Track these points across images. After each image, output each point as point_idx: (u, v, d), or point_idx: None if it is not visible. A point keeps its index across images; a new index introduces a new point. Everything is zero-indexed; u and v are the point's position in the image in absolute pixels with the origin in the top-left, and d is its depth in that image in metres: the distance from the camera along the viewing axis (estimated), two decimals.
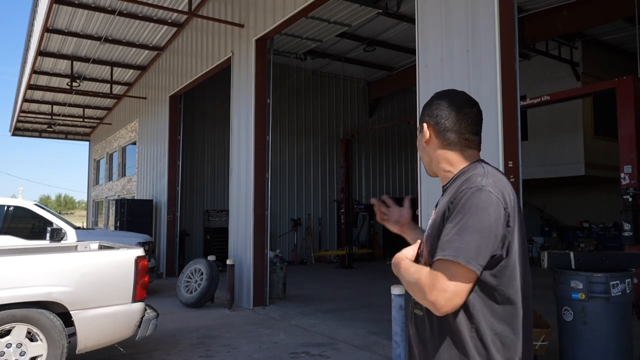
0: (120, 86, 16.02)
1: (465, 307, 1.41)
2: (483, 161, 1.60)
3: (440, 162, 1.65)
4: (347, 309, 8.26)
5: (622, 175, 7.81)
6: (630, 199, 7.59)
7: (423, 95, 5.34)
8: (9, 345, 4.12)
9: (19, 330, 4.16)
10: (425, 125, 1.67)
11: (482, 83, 4.68)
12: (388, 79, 16.30)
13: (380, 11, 10.79)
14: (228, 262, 8.55)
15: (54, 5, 9.82)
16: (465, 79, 4.86)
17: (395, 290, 4.79)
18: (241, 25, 9.12)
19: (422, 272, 1.43)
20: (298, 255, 15.10)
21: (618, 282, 4.41)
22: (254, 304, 8.35)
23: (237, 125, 9.28)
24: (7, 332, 4.13)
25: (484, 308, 1.42)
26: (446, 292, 1.36)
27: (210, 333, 6.63)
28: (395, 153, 17.95)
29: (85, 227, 16.48)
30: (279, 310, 8.16)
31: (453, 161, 1.62)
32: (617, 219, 12.23)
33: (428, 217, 4.93)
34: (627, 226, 7.59)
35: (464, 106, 1.65)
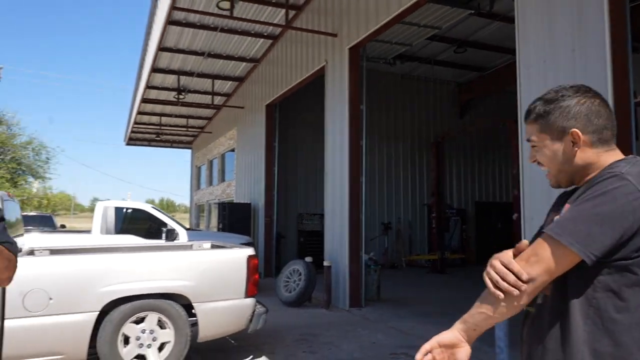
0: (219, 97, 17.09)
1: (587, 302, 1.29)
2: (627, 158, 1.40)
3: (591, 169, 1.42)
4: (443, 313, 8.22)
5: None
6: None
7: (525, 100, 5.25)
8: (143, 331, 4.67)
9: (152, 318, 4.70)
10: (577, 131, 1.40)
11: (590, 83, 4.52)
12: (479, 80, 15.89)
13: (472, 12, 10.62)
14: (325, 263, 8.85)
15: (167, 26, 10.76)
16: (571, 79, 4.73)
17: None
18: (334, 35, 9.44)
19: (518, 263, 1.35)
20: (389, 259, 15.15)
21: None
22: (350, 305, 8.57)
23: (331, 131, 9.59)
24: (142, 320, 4.69)
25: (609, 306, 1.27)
26: (540, 262, 1.30)
27: (311, 331, 6.93)
28: (488, 156, 17.42)
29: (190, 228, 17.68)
30: (375, 312, 8.32)
31: (602, 164, 1.41)
32: None
33: (532, 221, 4.85)
34: None
35: (603, 98, 1.46)
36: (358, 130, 8.94)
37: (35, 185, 32.39)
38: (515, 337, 4.95)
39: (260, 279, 12.53)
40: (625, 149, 4.16)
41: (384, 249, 15.24)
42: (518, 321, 4.72)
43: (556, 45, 4.92)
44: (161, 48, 12.32)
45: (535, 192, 5.08)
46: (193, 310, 4.87)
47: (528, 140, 1.53)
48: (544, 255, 1.30)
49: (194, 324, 4.89)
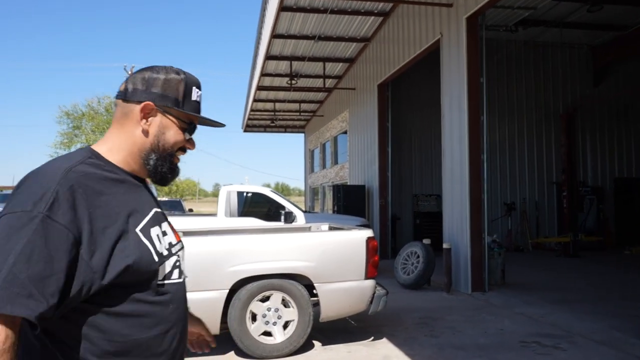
0: (331, 79, 17.20)
1: None
2: None
3: None
4: (578, 300, 7.52)
5: None
6: None
7: None
8: (269, 309, 4.85)
9: (276, 297, 4.85)
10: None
11: None
12: (618, 41, 14.08)
13: None
14: (444, 245, 8.54)
15: (280, 13, 10.99)
16: None
17: None
18: (450, 5, 8.92)
19: None
20: (513, 242, 14.25)
21: None
22: (472, 289, 8.20)
23: (448, 107, 9.14)
24: (267, 298, 4.86)
25: None
26: None
27: (432, 314, 6.73)
28: (629, 126, 15.50)
29: (307, 211, 18.21)
30: (500, 297, 7.85)
31: None
32: None
33: None
34: None
35: None
36: (477, 105, 8.41)
37: None
38: None
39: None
40: None
41: (507, 231, 14.37)
42: None
43: None
44: (274, 35, 12.64)
45: None
46: (315, 291, 4.95)
47: None
48: None
49: (316, 304, 4.97)
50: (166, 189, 38.66)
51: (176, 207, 18.49)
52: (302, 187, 29.25)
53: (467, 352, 5.13)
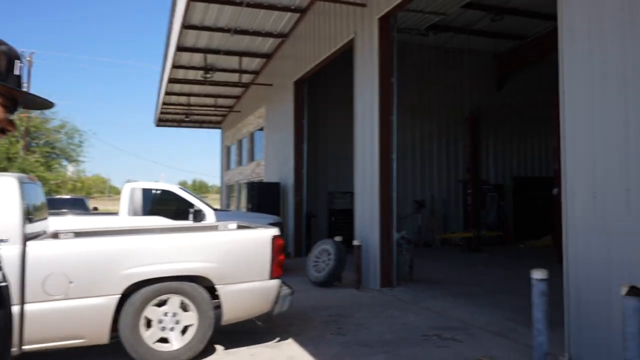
0: (247, 75, 16.89)
1: None
2: None
3: None
4: (478, 293, 7.92)
5: None
6: None
7: (567, 63, 4.81)
8: (166, 314, 4.58)
9: (174, 301, 4.60)
10: None
11: None
12: (518, 50, 15.09)
13: None
14: (355, 242, 8.65)
15: (190, 2, 10.56)
16: (620, 41, 4.27)
17: (537, 274, 4.47)
18: (363, 5, 9.03)
19: None
20: (422, 238, 14.82)
21: None
22: (381, 285, 8.37)
23: (360, 106, 9.26)
24: (164, 302, 4.59)
25: None
26: None
27: (341, 312, 6.77)
28: (527, 129, 16.66)
29: (220, 209, 17.77)
30: (407, 292, 8.08)
31: None
32: None
33: (574, 195, 4.49)
34: None
35: None
36: (389, 104, 8.59)
37: (70, 169, 33.17)
38: (552, 318, 4.63)
39: (291, 259, 12.48)
40: None
41: (417, 227, 14.91)
42: (556, 303, 4.29)
43: (603, 3, 4.44)
44: (186, 25, 12.15)
45: (579, 166, 4.68)
46: (217, 292, 4.75)
47: None
48: None
49: (218, 307, 4.78)
50: (69, 185, 36.00)
51: (79, 205, 17.25)
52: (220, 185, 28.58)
53: (372, 348, 5.18)
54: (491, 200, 15.30)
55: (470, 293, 7.92)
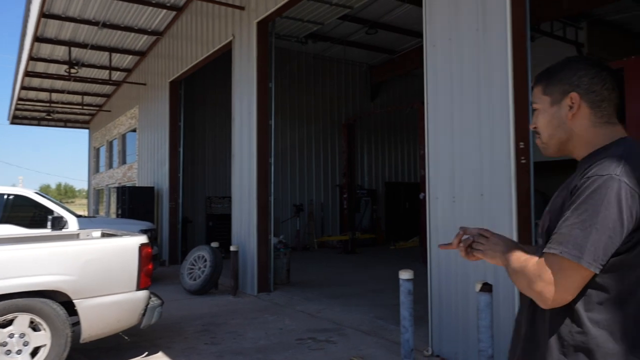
0: (119, 72, 15.83)
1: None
2: (629, 140, 1.39)
3: (584, 140, 1.43)
4: (352, 294, 8.20)
5: None
6: None
7: (431, 75, 5.19)
8: (11, 335, 4.05)
9: (22, 320, 4.08)
10: (576, 95, 1.41)
11: (492, 62, 4.53)
12: (390, 63, 16.08)
13: None
14: (232, 248, 8.48)
15: None
16: (475, 58, 4.71)
17: (404, 275, 4.71)
18: (242, 8, 8.93)
19: (531, 261, 1.33)
20: (301, 241, 15.04)
21: None
22: (258, 290, 8.30)
23: (238, 110, 9.14)
24: (10, 322, 4.06)
25: (585, 306, 1.30)
26: (553, 284, 1.27)
27: (215, 320, 6.57)
28: (397, 137, 17.80)
29: (86, 215, 16.41)
30: (284, 296, 8.11)
31: (600, 139, 1.41)
32: None
33: (436, 200, 4.82)
34: None
35: (613, 72, 1.44)
36: (266, 109, 8.58)
37: None
38: (419, 314, 4.92)
39: (165, 267, 11.90)
40: (524, 130, 4.16)
41: (295, 231, 15.10)
42: (421, 300, 4.54)
43: (461, 23, 4.88)
44: (46, 14, 11.04)
45: (440, 173, 5.07)
46: (75, 308, 4.31)
47: (532, 105, 1.55)
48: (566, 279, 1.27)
49: (77, 323, 4.34)
50: None
51: None
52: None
53: (246, 356, 5.09)
54: (365, 204, 16.04)
55: (345, 294, 8.18)
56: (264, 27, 8.62)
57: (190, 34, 11.31)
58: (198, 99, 14.26)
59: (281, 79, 14.66)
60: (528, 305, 1.45)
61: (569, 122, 1.44)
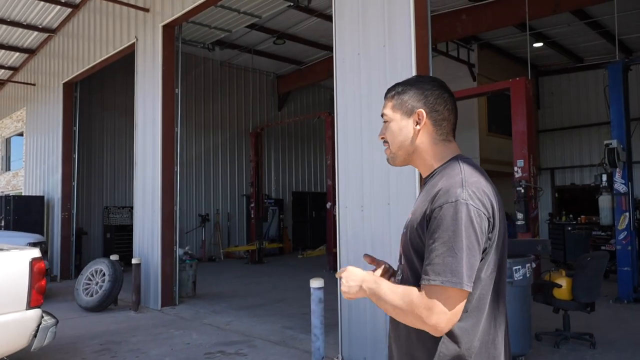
0: (3, 70, 14.44)
1: None
2: (461, 157, 1.54)
3: (427, 154, 1.57)
4: (260, 304, 8.14)
5: (515, 168, 8.47)
6: (522, 191, 8.25)
7: (340, 89, 5.35)
8: None
9: None
10: (422, 111, 1.55)
11: (398, 77, 4.77)
12: (297, 73, 16.31)
13: (291, 4, 10.74)
14: (133, 261, 8.05)
15: None
16: (382, 72, 4.94)
17: (314, 283, 4.77)
18: (146, 10, 8.59)
19: (413, 296, 1.36)
20: (207, 252, 14.65)
21: (520, 267, 4.76)
22: (163, 304, 7.94)
23: (142, 116, 8.73)
24: None
25: None
26: (446, 314, 1.33)
27: (115, 338, 6.18)
28: (304, 147, 18.05)
29: None
30: (190, 309, 7.84)
31: (439, 154, 1.56)
32: (508, 210, 13.28)
33: (346, 209, 4.96)
34: (519, 215, 8.26)
35: (452, 95, 1.60)
36: (172, 115, 8.30)
37: None
38: (328, 322, 5.00)
39: (57, 283, 10.98)
40: None
41: (201, 242, 14.69)
42: (331, 308, 4.63)
43: (369, 40, 5.09)
44: None
45: (350, 182, 5.23)
46: None
47: (382, 115, 1.65)
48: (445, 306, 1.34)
49: None
50: None
51: None
52: None
53: None
54: (272, 214, 16.03)
55: (252, 305, 8.09)
56: (170, 31, 8.36)
57: (88, 33, 10.63)
58: (96, 102, 13.42)
59: (188, 85, 14.27)
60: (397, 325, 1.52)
61: (415, 136, 1.57)
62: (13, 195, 12.55)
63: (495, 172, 14.46)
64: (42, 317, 4.41)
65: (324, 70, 14.47)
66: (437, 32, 11.22)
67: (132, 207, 12.99)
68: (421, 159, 1.59)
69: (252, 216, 14.33)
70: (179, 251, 8.34)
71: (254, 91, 16.51)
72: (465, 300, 1.35)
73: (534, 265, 5.07)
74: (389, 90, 1.64)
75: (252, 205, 14.26)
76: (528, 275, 4.85)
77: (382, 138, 1.65)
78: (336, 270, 5.38)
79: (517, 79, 8.85)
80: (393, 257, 1.74)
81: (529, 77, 9.59)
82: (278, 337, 6.12)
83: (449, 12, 10.99)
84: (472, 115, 14.28)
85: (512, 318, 4.67)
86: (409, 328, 1.43)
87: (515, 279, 4.72)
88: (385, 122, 1.63)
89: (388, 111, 1.62)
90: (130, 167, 9.06)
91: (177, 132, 8.31)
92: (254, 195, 14.19)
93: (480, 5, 10.56)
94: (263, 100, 16.74)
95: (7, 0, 10.31)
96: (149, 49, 8.56)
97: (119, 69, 12.46)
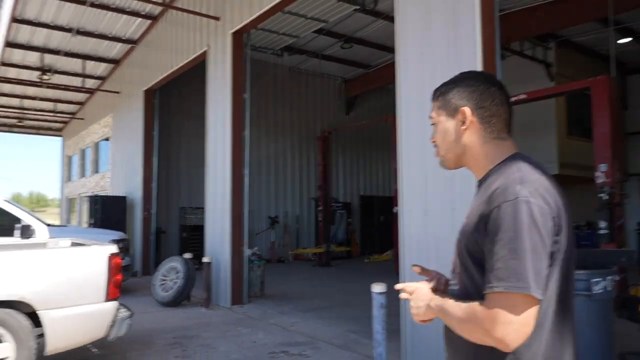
0: (93, 80, 15.62)
1: None
2: (520, 155, 1.41)
3: (478, 154, 1.46)
4: (326, 307, 8.19)
5: (598, 173, 7.90)
6: (606, 197, 7.68)
7: (403, 92, 5.28)
8: None
9: None
10: (467, 109, 1.45)
11: None
12: (364, 77, 16.28)
13: (358, 7, 10.75)
14: (204, 259, 8.39)
15: None
16: (446, 73, 4.81)
17: (376, 288, 4.72)
18: (217, 18, 8.95)
19: (476, 307, 1.25)
20: (275, 254, 14.97)
21: (600, 279, 4.43)
22: (232, 302, 8.21)
23: (213, 120, 9.11)
24: None
25: None
26: (513, 324, 1.19)
27: (187, 333, 6.47)
28: (372, 151, 17.97)
29: (57, 224, 16.02)
30: (258, 309, 8.04)
31: (492, 154, 1.44)
32: (590, 218, 12.44)
33: (409, 213, 4.87)
34: (602, 224, 7.68)
35: (505, 90, 1.49)
36: (241, 120, 8.57)
37: None
38: (392, 328, 4.94)
39: (137, 278, 11.67)
40: None
41: (270, 243, 15.03)
42: (396, 314, 4.55)
43: (433, 40, 4.99)
44: (18, 19, 10.85)
45: (413, 187, 5.14)
46: (40, 319, 4.20)
47: (430, 118, 1.58)
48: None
49: (42, 335, 4.23)
50: None
51: None
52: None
53: None
54: (340, 217, 16.09)
55: (319, 307, 8.16)
56: (239, 38, 8.65)
57: (165, 43, 11.26)
58: (173, 108, 14.16)
59: (257, 90, 14.68)
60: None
61: (462, 137, 1.47)
62: (101, 196, 13.53)
63: (577, 177, 13.60)
64: (119, 309, 4.72)
65: (391, 74, 14.27)
66: (509, 30, 10.78)
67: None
68: (473, 160, 1.48)
69: (320, 219, 14.46)
70: (247, 251, 8.59)
71: (322, 95, 16.68)
72: (536, 309, 1.21)
73: (617, 277, 4.71)
74: (434, 92, 1.57)
75: (320, 208, 14.39)
76: (609, 288, 4.49)
77: (433, 141, 1.58)
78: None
79: (599, 77, 8.28)
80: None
81: (613, 75, 8.95)
82: (341, 340, 6.13)
83: (523, 9, 10.51)
84: (549, 117, 13.53)
85: (590, 335, 4.35)
86: (466, 343, 1.32)
87: (594, 292, 4.38)
88: (432, 124, 1.56)
89: (434, 113, 1.56)
90: (204, 170, 9.44)
91: (245, 136, 8.58)
92: (321, 198, 14.32)
93: (558, 0, 10.01)
94: (330, 104, 16.88)
95: (95, 15, 11.15)
96: (219, 56, 8.92)
97: (194, 76, 13.07)
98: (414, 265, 1.65)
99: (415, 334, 4.97)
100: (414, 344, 4.99)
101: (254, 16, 7.97)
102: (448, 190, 4.76)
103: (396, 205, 11.22)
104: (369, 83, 16.12)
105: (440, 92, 1.55)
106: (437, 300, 1.39)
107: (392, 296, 4.96)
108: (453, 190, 4.71)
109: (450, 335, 1.42)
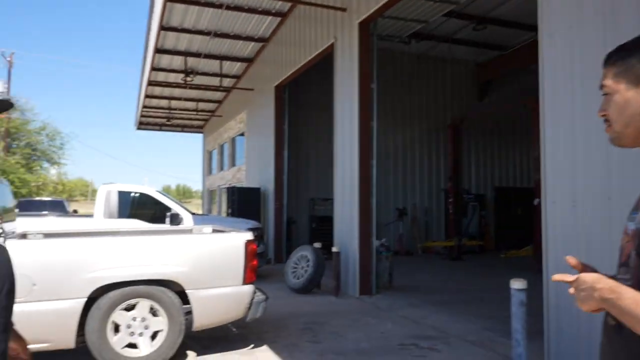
0: (229, 79, 16.74)
1: None
2: None
3: None
4: (457, 302, 7.84)
5: None
6: None
7: (548, 73, 4.77)
8: (134, 319, 4.40)
9: (143, 306, 4.42)
10: None
11: None
12: (499, 60, 15.21)
13: None
14: (334, 249, 8.52)
15: (168, 3, 10.40)
16: (601, 46, 4.24)
17: (516, 284, 4.37)
18: (343, 9, 8.98)
19: None
20: (404, 246, 14.74)
21: None
22: (360, 292, 8.24)
23: (340, 112, 9.18)
24: (133, 307, 4.41)
25: None
26: None
27: (317, 319, 6.62)
28: (508, 139, 16.79)
29: (200, 213, 17.51)
30: (386, 300, 7.97)
31: None
32: None
33: (554, 205, 4.39)
34: None
35: None
36: (368, 110, 8.51)
37: (52, 171, 32.66)
38: (532, 329, 4.54)
39: (271, 265, 12.29)
40: None
41: (398, 235, 14.84)
42: (536, 313, 4.15)
43: (584, 7, 4.42)
44: (165, 27, 11.99)
45: (559, 176, 4.63)
46: (188, 298, 4.58)
47: (601, 88, 1.35)
48: None
49: (189, 312, 4.60)
50: (50, 187, 35.25)
51: (58, 207, 16.87)
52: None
53: (347, 357, 5.05)
54: (472, 210, 15.33)
55: (450, 302, 7.84)
56: (366, 28, 8.57)
57: (294, 38, 11.62)
58: (302, 102, 14.59)
59: (384, 79, 14.53)
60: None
61: None
62: (237, 188, 14.49)
63: None
64: (255, 292, 4.97)
65: (531, 53, 13.18)
66: None
67: (333, 199, 13.83)
68: None
69: (451, 211, 13.92)
70: (375, 242, 8.55)
71: (452, 82, 15.98)
72: None
73: None
74: (609, 56, 1.34)
75: (451, 200, 13.85)
76: None
77: (603, 115, 1.35)
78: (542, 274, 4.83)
79: None
80: (614, 264, 1.40)
81: None
82: (475, 337, 5.81)
83: None
84: None
85: None
86: (633, 345, 1.15)
87: None
88: (605, 94, 1.33)
89: (609, 81, 1.32)
90: (332, 161, 9.59)
91: (373, 126, 8.51)
92: (452, 190, 13.76)
93: None
94: (462, 90, 16.09)
95: (230, 17, 11.89)
96: (346, 48, 8.94)
97: (322, 69, 13.32)
98: (569, 257, 1.42)
99: (560, 333, 4.50)
100: (559, 348, 4.53)
101: (381, 3, 7.83)
102: (603, 176, 4.19)
103: (537, 197, 10.35)
104: (505, 65, 15.02)
105: (619, 57, 1.31)
106: (606, 293, 1.17)
107: (533, 296, 4.57)
108: (609, 176, 4.14)
109: (617, 332, 1.22)
